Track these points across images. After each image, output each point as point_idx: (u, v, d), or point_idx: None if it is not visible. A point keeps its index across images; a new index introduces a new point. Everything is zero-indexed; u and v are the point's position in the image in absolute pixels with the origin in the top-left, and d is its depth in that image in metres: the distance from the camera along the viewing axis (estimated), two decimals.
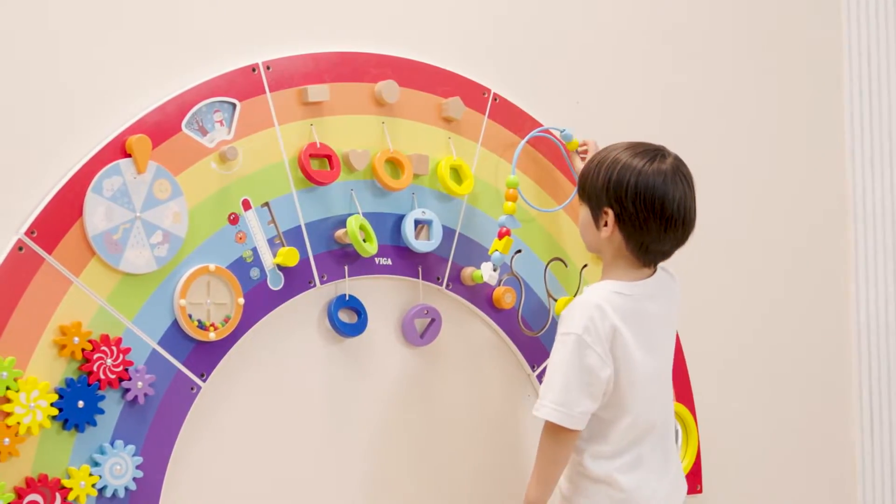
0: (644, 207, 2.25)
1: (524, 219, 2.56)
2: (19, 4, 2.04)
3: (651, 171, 2.26)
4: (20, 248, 2.00)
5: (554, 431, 2.25)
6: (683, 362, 2.83)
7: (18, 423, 1.97)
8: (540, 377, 2.60)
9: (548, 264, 2.62)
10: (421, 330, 2.46)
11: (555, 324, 2.61)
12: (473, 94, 2.53)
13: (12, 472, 1.99)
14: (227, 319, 2.20)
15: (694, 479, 2.82)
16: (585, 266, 2.68)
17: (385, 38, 2.44)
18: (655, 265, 2.35)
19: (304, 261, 2.30)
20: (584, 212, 2.35)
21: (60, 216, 2.04)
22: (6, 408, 1.96)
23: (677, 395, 2.76)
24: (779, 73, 3.10)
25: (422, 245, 2.41)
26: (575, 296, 2.64)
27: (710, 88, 2.99)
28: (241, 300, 2.21)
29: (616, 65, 2.83)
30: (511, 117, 2.59)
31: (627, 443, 2.29)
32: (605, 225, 2.29)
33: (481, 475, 2.55)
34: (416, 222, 2.42)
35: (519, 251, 2.57)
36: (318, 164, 2.31)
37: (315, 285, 2.32)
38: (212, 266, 2.18)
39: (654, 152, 2.29)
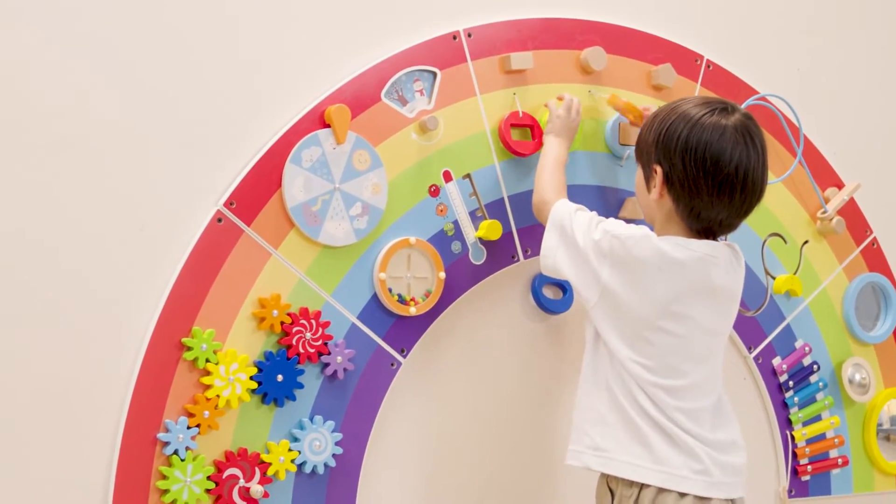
0: (693, 164, 1.93)
1: None
2: None
3: (709, 123, 1.93)
4: (219, 220, 1.98)
5: None
6: None
7: (218, 395, 1.95)
8: (757, 359, 2.46)
9: (765, 240, 2.47)
10: None
11: (773, 302, 2.47)
12: (685, 60, 2.42)
13: (213, 446, 1.96)
14: (427, 294, 2.14)
15: None
16: (807, 242, 2.52)
17: (591, 4, 2.35)
18: (714, 237, 2.01)
19: (507, 234, 2.22)
20: (638, 172, 2.07)
21: (259, 187, 2.01)
22: (206, 380, 1.95)
23: None
24: None
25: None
26: (795, 273, 2.50)
27: None
28: (443, 274, 2.15)
29: (842, 28, 2.65)
30: (725, 84, 2.46)
31: None
32: (655, 186, 2.00)
33: None
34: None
35: None
36: (520, 135, 2.23)
37: (518, 260, 2.24)
38: (412, 239, 2.12)
39: (721, 105, 1.97)
